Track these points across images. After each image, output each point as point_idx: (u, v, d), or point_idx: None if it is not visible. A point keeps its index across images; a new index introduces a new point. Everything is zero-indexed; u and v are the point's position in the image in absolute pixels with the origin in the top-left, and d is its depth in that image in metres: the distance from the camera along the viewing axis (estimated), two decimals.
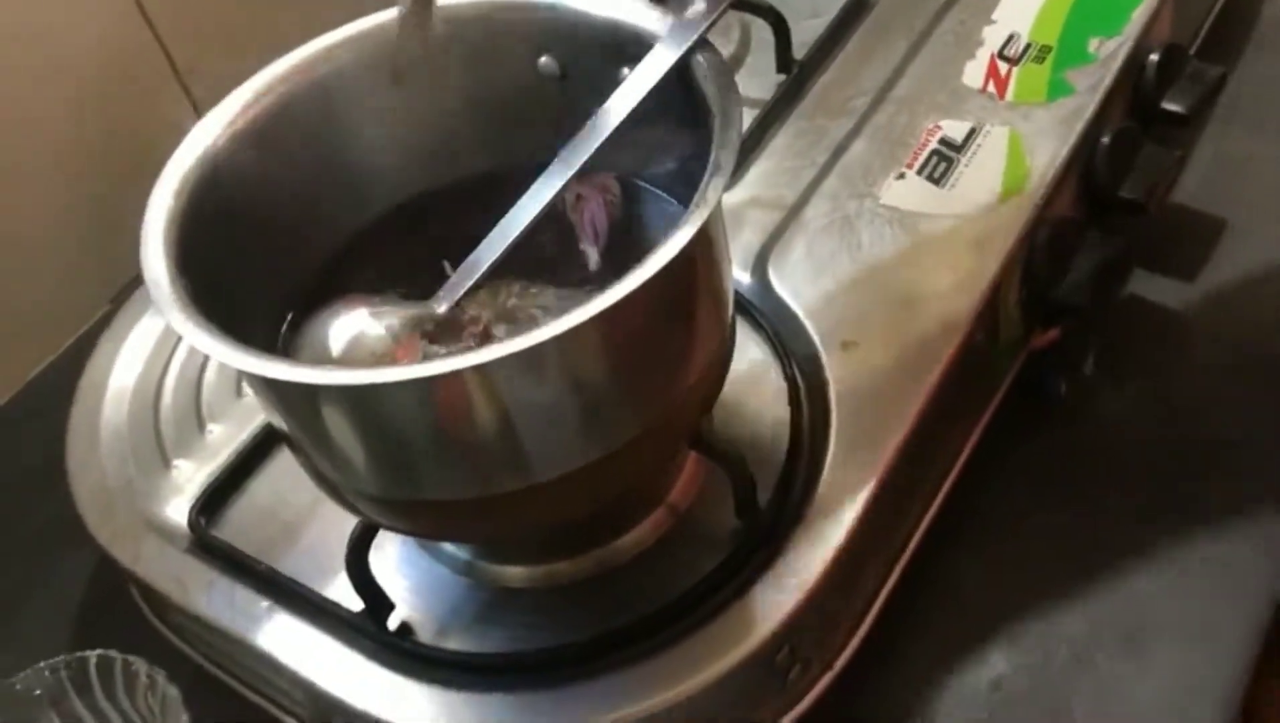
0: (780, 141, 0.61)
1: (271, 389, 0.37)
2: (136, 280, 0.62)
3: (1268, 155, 0.68)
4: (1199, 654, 0.49)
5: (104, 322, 0.62)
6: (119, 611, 0.55)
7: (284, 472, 0.53)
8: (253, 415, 0.54)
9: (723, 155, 0.37)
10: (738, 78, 0.65)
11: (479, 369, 0.34)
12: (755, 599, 0.44)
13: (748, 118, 0.62)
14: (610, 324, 0.35)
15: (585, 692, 0.43)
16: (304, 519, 0.51)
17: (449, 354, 0.40)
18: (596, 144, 0.42)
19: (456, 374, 0.33)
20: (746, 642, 0.43)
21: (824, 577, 0.44)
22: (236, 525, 0.51)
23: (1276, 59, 0.73)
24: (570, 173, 0.42)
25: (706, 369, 0.42)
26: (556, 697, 0.43)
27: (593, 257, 0.47)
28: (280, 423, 0.39)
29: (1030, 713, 0.49)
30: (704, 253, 0.39)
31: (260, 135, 0.43)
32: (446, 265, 0.45)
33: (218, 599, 0.48)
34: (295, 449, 0.41)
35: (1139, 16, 0.61)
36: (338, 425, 0.37)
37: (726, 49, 0.67)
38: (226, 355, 0.34)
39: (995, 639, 0.51)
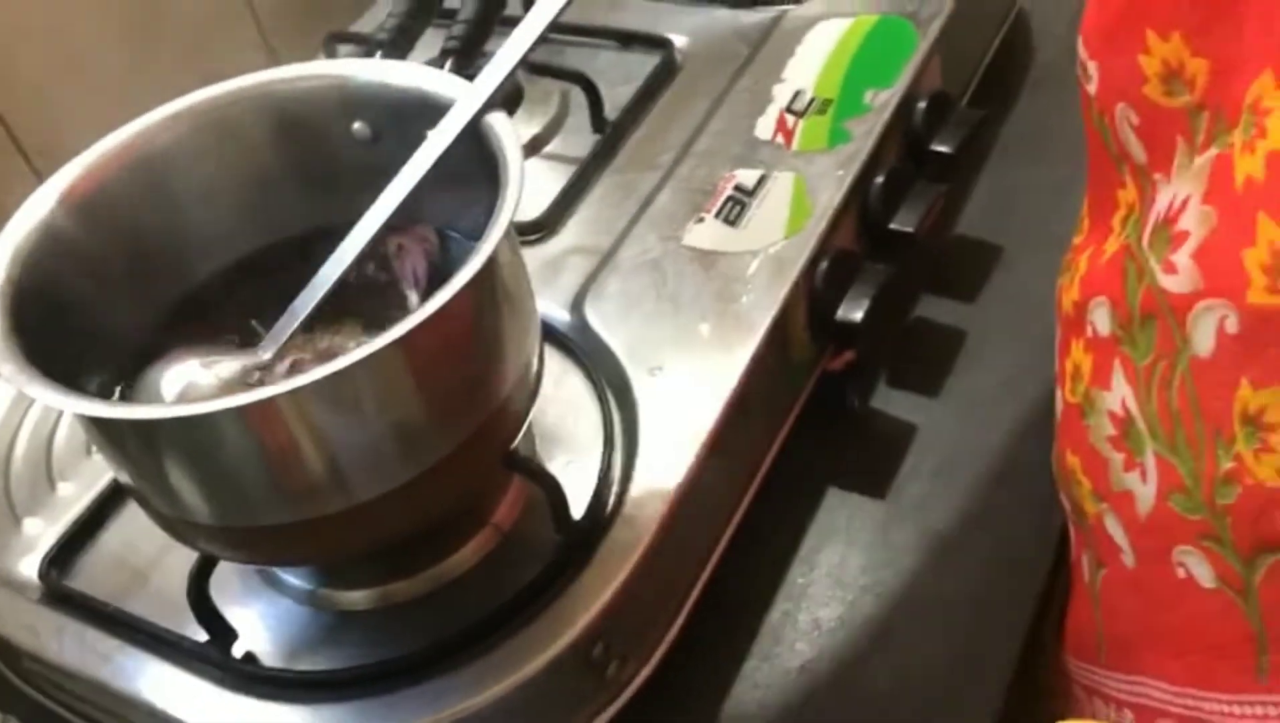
0: (596, 194, 0.67)
1: (100, 430, 0.41)
2: None
3: (1040, 186, 0.76)
4: (984, 622, 0.55)
5: None
6: None
7: (132, 523, 0.55)
8: (102, 473, 0.57)
9: (507, 197, 0.42)
10: (557, 139, 0.72)
11: (289, 396, 0.38)
12: (570, 601, 0.48)
13: (567, 174, 0.68)
14: (406, 350, 0.39)
15: (418, 695, 0.46)
16: (152, 565, 0.54)
17: None
18: (399, 199, 0.47)
19: (266, 402, 0.38)
20: (562, 639, 0.47)
21: (631, 576, 0.49)
22: (87, 575, 0.54)
23: (1048, 99, 0.81)
24: (375, 227, 0.47)
25: (512, 392, 0.47)
26: (392, 702, 0.46)
27: (414, 300, 0.52)
28: (112, 462, 0.43)
29: (835, 691, 0.54)
30: (494, 285, 0.44)
31: (93, 204, 0.47)
32: (255, 324, 0.49)
33: (69, 643, 0.51)
34: (130, 489, 0.45)
35: (908, 70, 0.69)
36: (164, 460, 0.41)
37: (547, 112, 0.73)
38: (53, 399, 0.38)
39: (801, 625, 0.56)
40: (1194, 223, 0.37)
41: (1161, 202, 0.39)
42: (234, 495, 0.42)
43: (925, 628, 0.56)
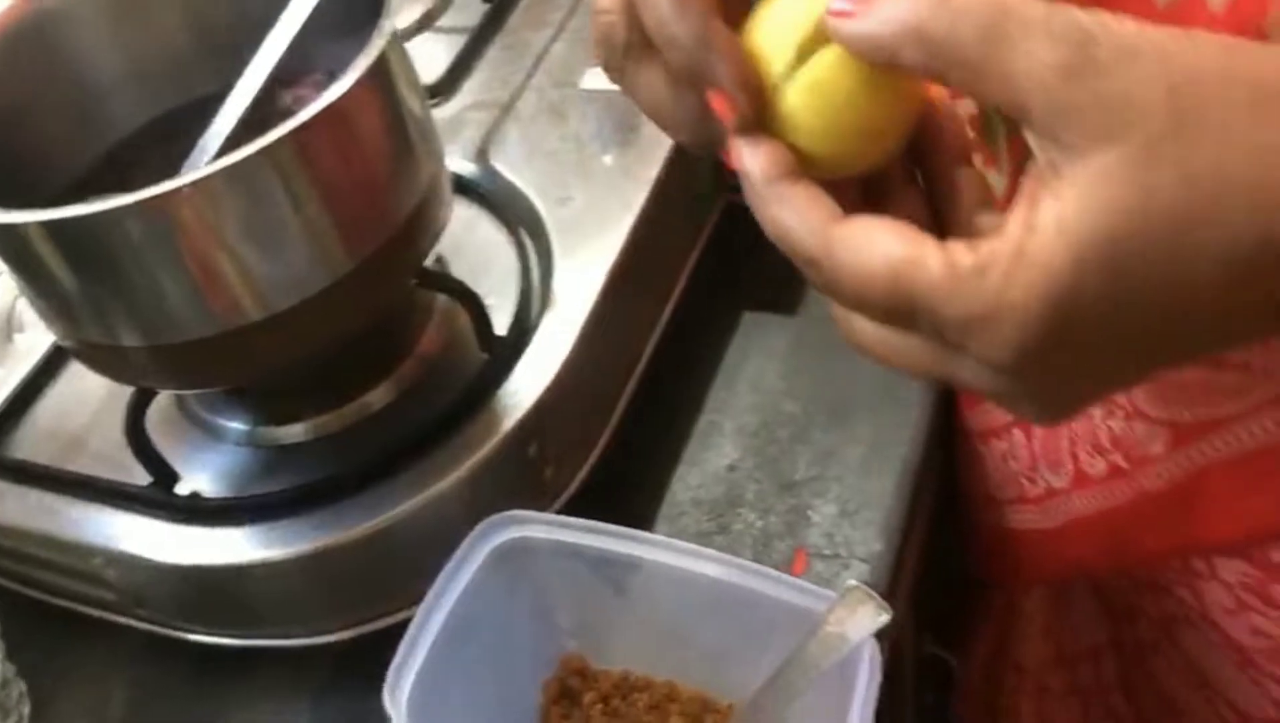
0: (491, 56, 0.69)
1: (24, 250, 0.42)
2: None
3: None
4: (892, 418, 0.59)
5: None
6: None
7: (63, 395, 0.57)
8: (26, 355, 0.58)
9: (388, 5, 0.44)
10: (448, 13, 0.73)
11: (194, 186, 0.39)
12: (499, 405, 0.51)
13: (460, 42, 0.70)
14: (304, 141, 0.41)
15: (358, 504, 0.48)
16: (87, 430, 0.55)
17: None
18: (288, 40, 0.49)
19: (173, 193, 0.39)
20: (495, 437, 0.49)
21: (558, 380, 0.51)
22: (25, 445, 0.55)
23: None
24: (268, 67, 0.48)
25: (420, 204, 0.48)
26: (337, 511, 0.48)
27: None
28: (39, 289, 0.44)
29: (761, 485, 0.57)
30: (387, 84, 0.45)
31: (4, 59, 0.47)
32: None
33: (13, 506, 0.52)
34: (62, 328, 0.46)
35: None
36: (86, 272, 0.42)
37: None
38: None
39: (726, 430, 0.59)
40: None
41: None
42: (157, 308, 0.43)
43: (841, 423, 0.59)
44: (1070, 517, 0.53)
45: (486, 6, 0.72)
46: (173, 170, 0.50)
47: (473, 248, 0.59)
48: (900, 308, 0.29)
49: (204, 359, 0.45)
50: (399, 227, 0.47)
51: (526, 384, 0.51)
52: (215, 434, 0.54)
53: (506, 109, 0.64)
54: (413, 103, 0.47)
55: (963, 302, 0.27)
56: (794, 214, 0.30)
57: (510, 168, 0.61)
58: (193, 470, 0.52)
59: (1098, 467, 0.50)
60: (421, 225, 0.49)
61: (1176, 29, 0.26)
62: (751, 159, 0.30)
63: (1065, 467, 0.52)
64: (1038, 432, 0.53)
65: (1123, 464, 0.48)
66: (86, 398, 0.55)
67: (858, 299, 0.30)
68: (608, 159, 0.60)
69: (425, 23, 0.73)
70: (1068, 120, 0.26)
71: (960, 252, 0.28)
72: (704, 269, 0.64)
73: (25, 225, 0.39)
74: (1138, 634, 0.60)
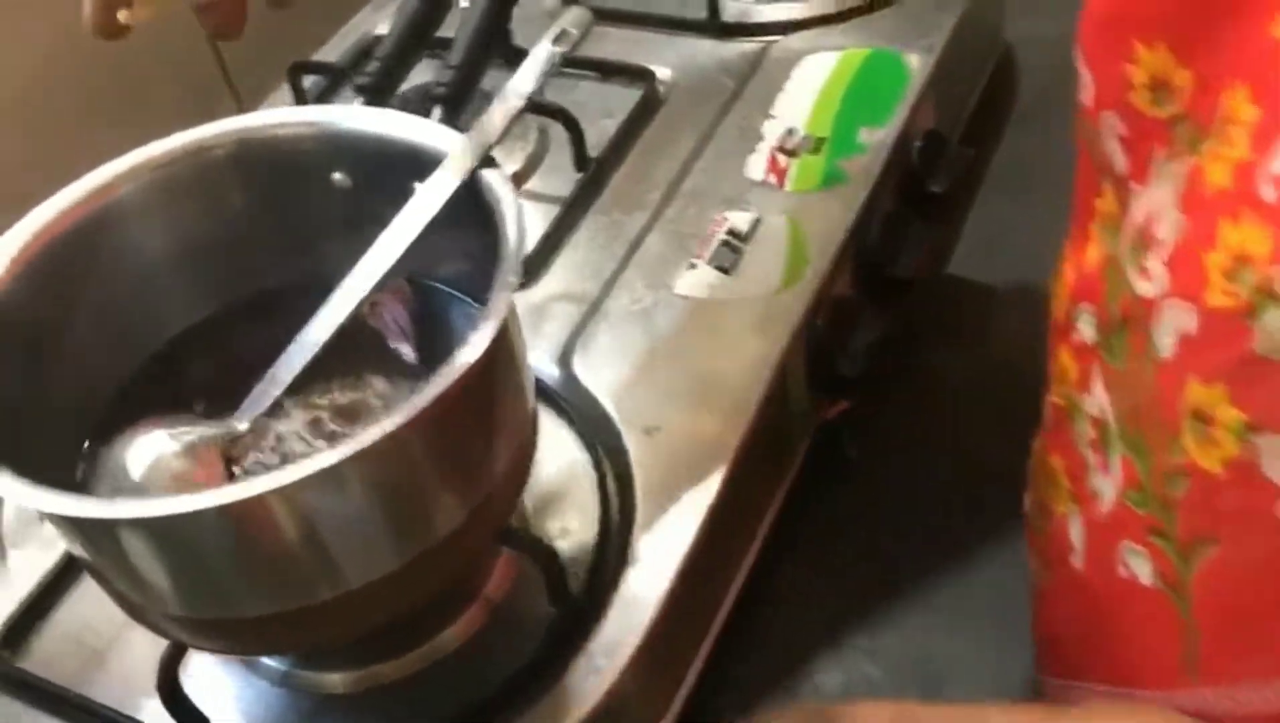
0: (581, 236, 0.64)
1: (67, 522, 0.37)
2: None
3: (1026, 221, 0.75)
4: (982, 686, 0.54)
5: None
6: None
7: (90, 598, 0.51)
8: (56, 541, 0.53)
9: (508, 267, 0.39)
10: (537, 177, 0.69)
11: (279, 492, 0.35)
12: (572, 682, 0.46)
13: (549, 213, 0.65)
14: (404, 439, 0.36)
15: None
16: (113, 644, 0.50)
17: (249, 473, 0.41)
18: (393, 259, 0.44)
19: (257, 498, 0.34)
20: None
21: (637, 654, 0.46)
22: (43, 655, 0.50)
23: (1033, 135, 0.80)
24: (368, 288, 0.44)
25: (510, 467, 0.44)
26: None
27: (407, 352, 0.49)
28: (80, 553, 0.39)
29: None
30: (494, 362, 0.41)
31: (44, 268, 0.43)
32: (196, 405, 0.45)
33: None
34: (98, 577, 0.41)
35: (903, 108, 0.67)
36: (139, 553, 0.37)
37: (525, 150, 0.70)
38: (17, 493, 0.34)
39: (802, 691, 0.54)
40: (1168, 230, 0.37)
41: (1137, 210, 0.40)
42: (212, 587, 0.39)
43: (923, 692, 0.54)
44: None
45: (579, 175, 0.67)
46: (231, 383, 0.45)
47: (549, 464, 0.54)
48: None
49: (259, 633, 0.41)
50: (485, 497, 0.42)
51: (599, 660, 0.46)
52: (251, 667, 0.49)
53: (595, 306, 0.60)
54: (515, 371, 0.43)
55: None
56: None
57: (595, 380, 0.56)
58: (223, 709, 0.47)
59: None
60: (507, 491, 0.44)
61: None
62: None
63: None
64: None
65: None
66: (112, 606, 0.51)
67: None
68: (701, 385, 0.55)
69: (514, 184, 0.69)
70: None
71: None
72: (791, 494, 0.59)
73: (88, 520, 0.35)
74: None
